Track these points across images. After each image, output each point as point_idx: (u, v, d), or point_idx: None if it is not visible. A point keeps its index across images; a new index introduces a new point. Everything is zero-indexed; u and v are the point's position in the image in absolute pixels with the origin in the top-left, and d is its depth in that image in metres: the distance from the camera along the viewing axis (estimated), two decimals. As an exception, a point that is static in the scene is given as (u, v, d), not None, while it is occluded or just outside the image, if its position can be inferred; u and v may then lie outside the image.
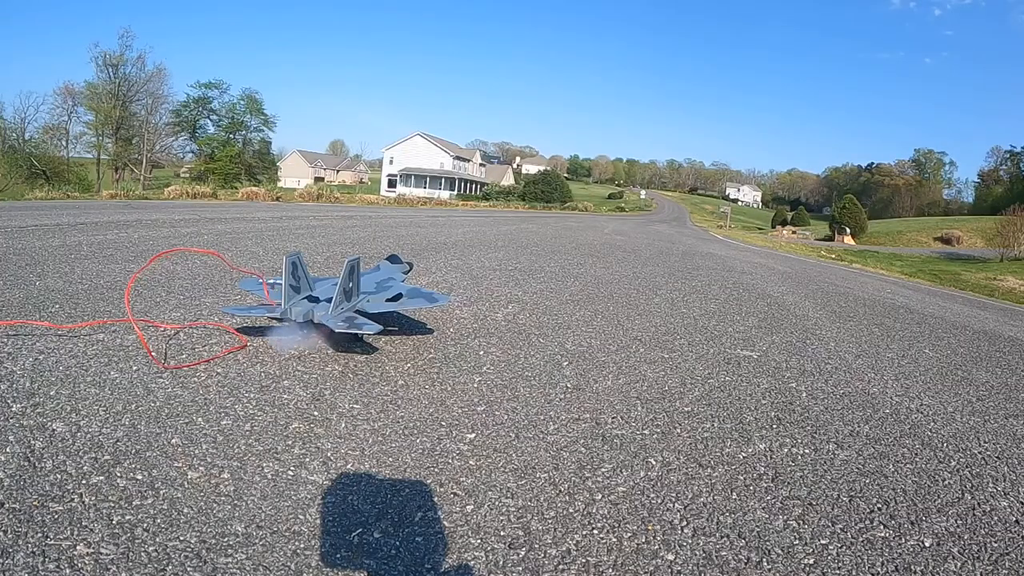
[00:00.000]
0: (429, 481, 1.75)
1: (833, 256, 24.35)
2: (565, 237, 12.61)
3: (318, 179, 66.54)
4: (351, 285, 2.90)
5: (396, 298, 3.17)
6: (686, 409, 2.59)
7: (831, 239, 44.98)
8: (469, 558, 1.44)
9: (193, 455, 1.73)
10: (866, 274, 14.76)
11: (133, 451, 1.71)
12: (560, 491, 1.79)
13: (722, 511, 1.77)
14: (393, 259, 3.99)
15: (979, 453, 2.51)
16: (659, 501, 1.79)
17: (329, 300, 2.80)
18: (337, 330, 2.64)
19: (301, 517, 1.51)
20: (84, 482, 1.54)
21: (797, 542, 1.65)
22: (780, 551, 1.60)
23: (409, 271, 4.01)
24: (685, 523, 1.69)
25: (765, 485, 1.97)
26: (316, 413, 2.11)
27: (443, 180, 60.03)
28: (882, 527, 1.78)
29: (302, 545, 1.41)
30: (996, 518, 1.93)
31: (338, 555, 1.39)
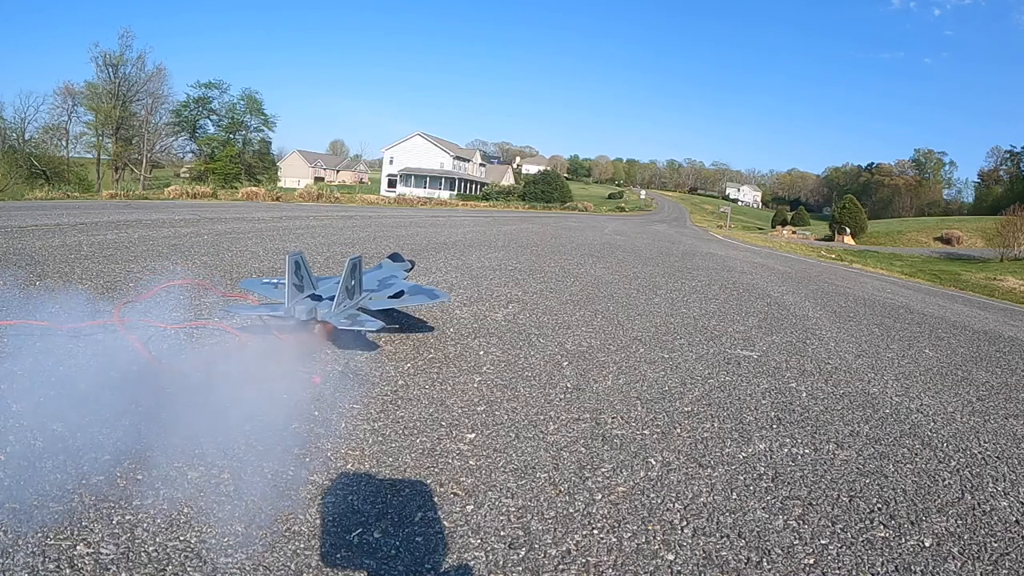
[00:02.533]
0: (429, 481, 1.76)
1: (833, 256, 24.34)
2: (565, 237, 12.62)
3: (318, 179, 66.49)
4: (353, 283, 2.93)
5: (398, 295, 3.19)
6: (686, 409, 2.59)
7: (831, 239, 44.96)
8: (469, 558, 1.44)
9: (193, 455, 1.73)
10: (866, 274, 14.76)
11: (133, 451, 1.71)
12: (560, 491, 1.79)
13: (722, 511, 1.77)
14: (395, 257, 4.02)
15: (979, 453, 2.51)
16: (659, 501, 1.79)
17: (332, 298, 2.82)
18: (340, 327, 2.68)
19: (301, 517, 1.52)
20: (84, 482, 1.54)
21: (797, 542, 1.65)
22: (780, 551, 1.60)
23: (411, 269, 4.04)
24: (685, 523, 1.69)
25: (765, 485, 1.97)
26: (316, 413, 2.11)
27: (443, 180, 60.02)
28: (882, 527, 1.78)
29: (302, 545, 1.41)
30: (996, 518, 1.93)
31: (338, 555, 1.39)
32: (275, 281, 3.22)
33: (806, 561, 1.57)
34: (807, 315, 5.52)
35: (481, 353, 3.04)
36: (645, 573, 1.45)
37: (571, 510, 1.69)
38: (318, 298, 2.87)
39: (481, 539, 1.51)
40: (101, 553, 1.29)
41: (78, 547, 1.30)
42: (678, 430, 2.34)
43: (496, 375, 2.74)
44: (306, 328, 2.77)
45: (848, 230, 46.65)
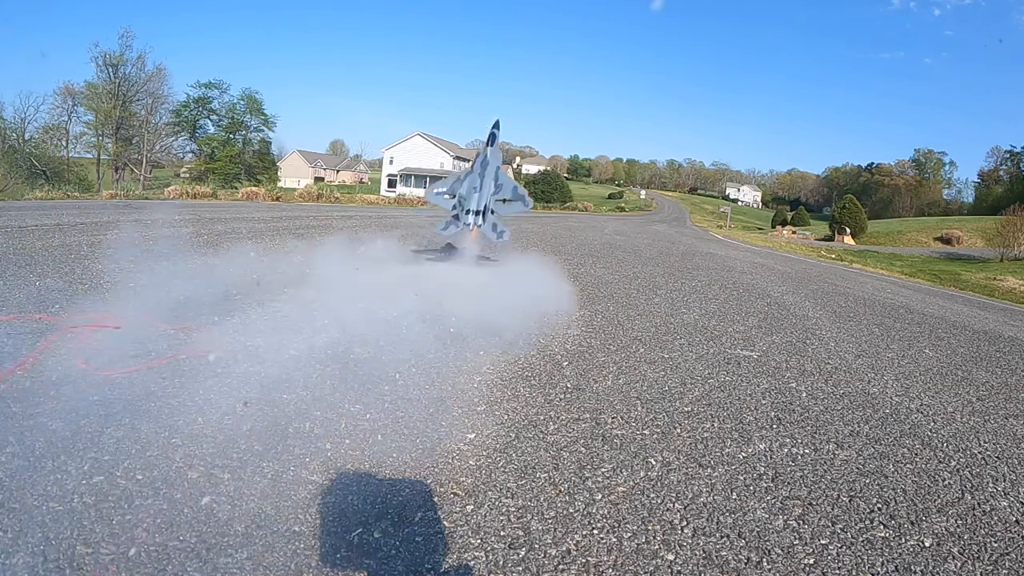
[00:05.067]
0: (429, 481, 1.76)
1: (833, 256, 24.32)
2: (565, 237, 12.61)
3: (318, 179, 66.38)
4: (490, 207, 4.75)
5: (507, 201, 4.91)
6: (686, 409, 2.59)
7: (831, 239, 44.92)
8: (469, 558, 1.44)
9: (193, 455, 1.73)
10: (866, 274, 14.76)
11: (133, 451, 1.71)
12: (560, 491, 1.79)
13: (722, 511, 1.77)
14: (491, 140, 5.28)
15: (979, 453, 2.51)
16: (659, 501, 1.79)
17: (478, 213, 4.68)
18: (493, 240, 4.67)
19: (301, 517, 1.52)
20: (84, 482, 1.54)
21: (797, 542, 1.65)
22: (780, 551, 1.60)
23: (498, 127, 5.36)
24: (685, 523, 1.69)
25: (765, 485, 1.97)
26: (316, 413, 2.11)
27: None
28: (882, 527, 1.78)
29: (302, 545, 1.41)
30: (996, 518, 1.93)
31: (338, 555, 1.39)
32: (438, 191, 5.09)
33: (806, 561, 1.57)
34: (807, 315, 5.52)
35: (481, 353, 3.04)
36: (645, 573, 1.45)
37: (571, 510, 1.69)
38: (477, 213, 4.70)
39: (481, 539, 1.51)
40: (101, 553, 1.29)
41: (78, 547, 1.30)
42: (678, 430, 2.34)
43: (496, 375, 2.74)
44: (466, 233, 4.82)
45: (848, 230, 46.60)
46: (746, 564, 1.53)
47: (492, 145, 5.21)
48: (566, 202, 52.50)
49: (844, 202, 52.00)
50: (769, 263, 12.50)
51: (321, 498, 1.60)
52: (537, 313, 3.94)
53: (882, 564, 1.59)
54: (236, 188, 23.03)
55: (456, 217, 4.90)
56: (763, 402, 2.80)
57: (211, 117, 46.19)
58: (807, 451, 2.28)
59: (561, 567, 1.44)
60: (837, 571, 1.54)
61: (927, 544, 1.72)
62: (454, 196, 4.92)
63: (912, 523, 1.83)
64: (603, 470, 1.94)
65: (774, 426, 2.51)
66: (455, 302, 4.09)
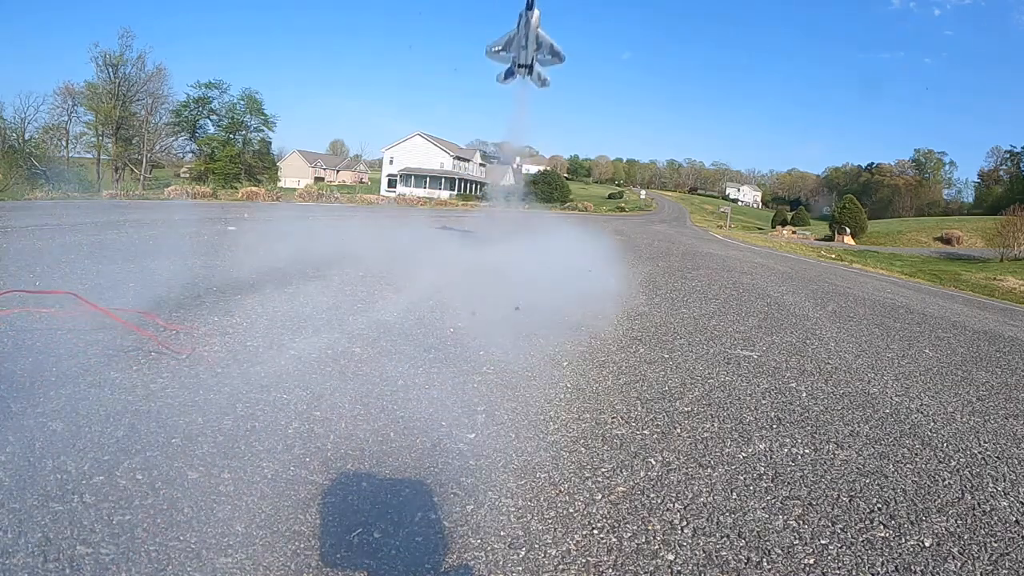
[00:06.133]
0: (429, 481, 1.76)
1: (833, 256, 24.30)
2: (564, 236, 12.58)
3: (318, 179, 66.32)
4: (535, 61, 5.98)
5: (544, 55, 6.08)
6: (686, 409, 2.59)
7: (831, 239, 44.88)
8: (469, 558, 1.44)
9: (193, 455, 1.73)
10: (866, 274, 14.75)
11: (133, 451, 1.71)
12: (560, 491, 1.79)
13: (722, 511, 1.77)
14: (529, 6, 5.87)
15: (979, 453, 2.51)
16: (659, 501, 1.79)
17: (525, 66, 5.98)
18: (538, 88, 6.09)
19: (301, 517, 1.52)
20: (84, 482, 1.54)
21: (797, 542, 1.65)
22: (780, 551, 1.60)
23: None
24: (685, 523, 1.69)
25: (765, 485, 1.97)
26: (316, 413, 2.11)
27: (443, 180, 59.93)
28: (882, 527, 1.78)
29: (302, 545, 1.41)
30: (996, 518, 1.93)
31: (338, 555, 1.39)
32: (500, 49, 6.10)
33: (806, 561, 1.57)
34: (807, 315, 5.52)
35: (481, 353, 3.04)
36: (645, 573, 1.45)
37: (571, 510, 1.69)
38: (525, 67, 5.94)
39: (481, 539, 1.51)
40: (101, 553, 1.30)
41: (78, 547, 1.30)
42: (678, 430, 2.34)
43: (496, 375, 2.74)
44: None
45: (848, 230, 46.59)
46: (746, 564, 1.53)
47: (531, 8, 6.01)
48: (566, 202, 52.40)
49: (844, 202, 51.94)
50: (769, 263, 12.49)
51: (321, 498, 1.60)
52: (537, 313, 3.94)
53: (882, 564, 1.59)
54: (236, 188, 23.01)
55: (511, 71, 6.23)
56: (763, 402, 2.80)
57: (211, 117, 46.08)
58: (807, 451, 2.28)
59: (561, 567, 1.44)
60: (837, 571, 1.54)
61: (927, 544, 1.72)
62: (508, 50, 6.13)
63: (912, 523, 1.83)
64: (603, 470, 1.94)
65: (774, 426, 2.51)
66: (455, 302, 4.10)
